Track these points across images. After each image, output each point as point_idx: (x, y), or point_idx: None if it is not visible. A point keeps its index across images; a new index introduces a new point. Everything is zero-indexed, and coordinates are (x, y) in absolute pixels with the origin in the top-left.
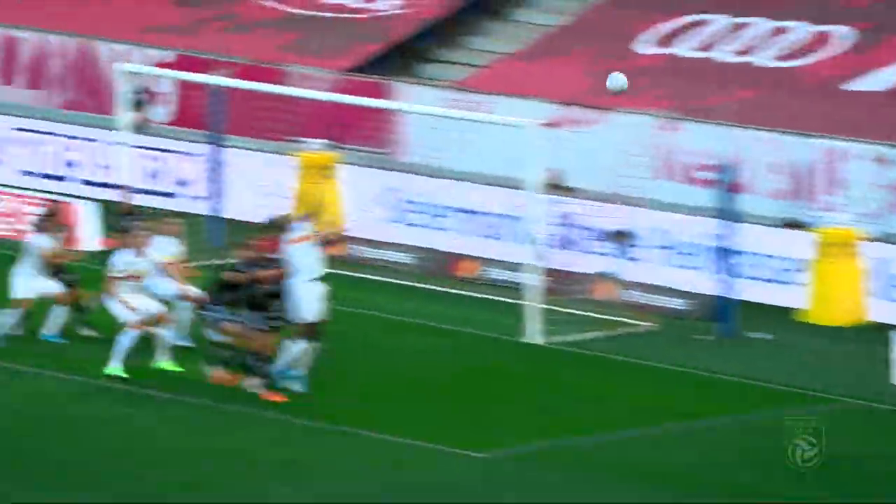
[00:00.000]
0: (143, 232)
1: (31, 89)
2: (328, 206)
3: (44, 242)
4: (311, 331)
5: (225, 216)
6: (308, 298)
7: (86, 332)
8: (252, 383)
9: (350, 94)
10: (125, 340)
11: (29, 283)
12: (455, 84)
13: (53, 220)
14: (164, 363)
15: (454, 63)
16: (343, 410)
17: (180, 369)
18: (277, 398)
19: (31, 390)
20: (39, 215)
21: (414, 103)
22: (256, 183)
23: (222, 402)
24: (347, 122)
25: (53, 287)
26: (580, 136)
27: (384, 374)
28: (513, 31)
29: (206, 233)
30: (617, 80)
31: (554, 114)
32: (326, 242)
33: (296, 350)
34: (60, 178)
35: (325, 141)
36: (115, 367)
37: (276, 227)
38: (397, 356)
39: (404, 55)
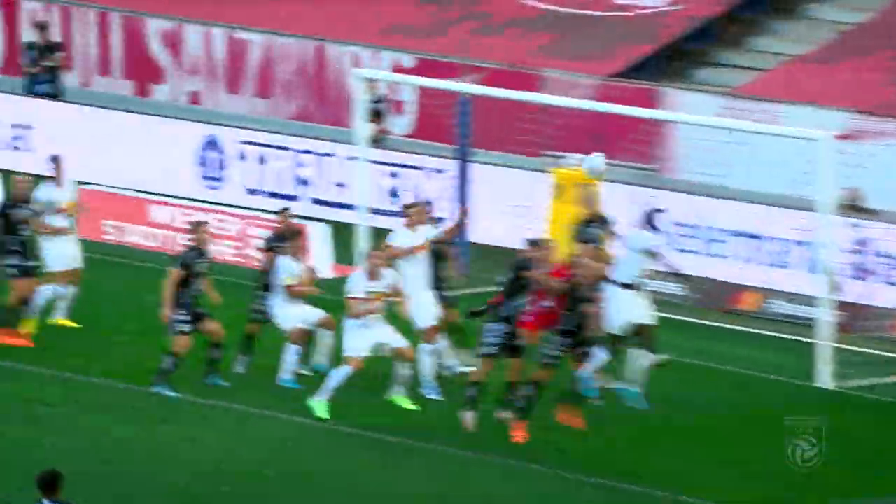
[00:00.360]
0: (379, 255)
1: (258, 98)
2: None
3: (292, 267)
4: (646, 338)
5: (470, 240)
6: (626, 305)
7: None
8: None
9: (614, 101)
10: (338, 376)
11: (289, 311)
12: (733, 90)
13: (296, 241)
14: (399, 398)
15: (732, 66)
16: (615, 459)
17: (415, 407)
18: (520, 435)
19: (263, 434)
20: (280, 235)
21: (686, 112)
22: (507, 203)
23: (467, 447)
24: (610, 133)
25: (315, 313)
26: (882, 150)
27: (656, 418)
28: (803, 30)
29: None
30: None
31: (851, 124)
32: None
33: (640, 363)
34: (290, 197)
35: (585, 156)
36: (318, 404)
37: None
38: (669, 399)
39: (675, 58)
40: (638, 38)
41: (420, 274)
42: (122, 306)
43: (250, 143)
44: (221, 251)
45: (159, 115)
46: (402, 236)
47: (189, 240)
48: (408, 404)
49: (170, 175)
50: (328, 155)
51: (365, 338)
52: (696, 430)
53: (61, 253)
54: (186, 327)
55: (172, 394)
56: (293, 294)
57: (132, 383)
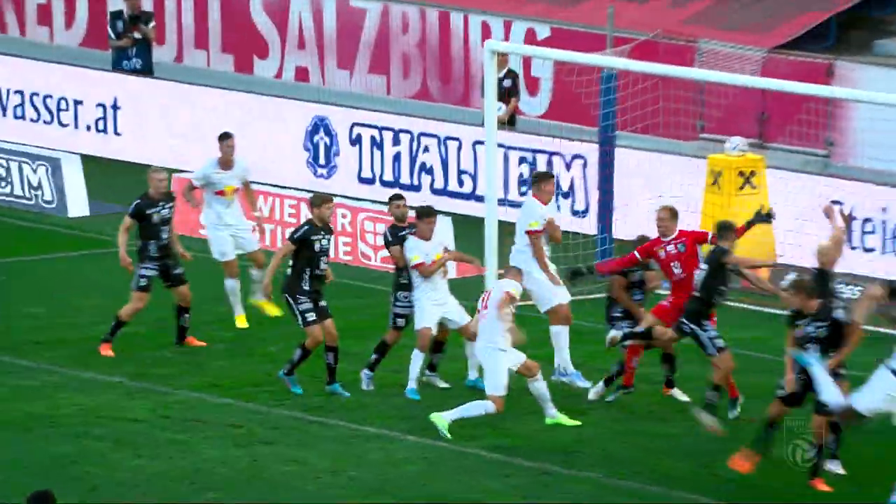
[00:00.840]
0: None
1: (373, 74)
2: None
3: (420, 245)
4: None
5: (614, 235)
6: None
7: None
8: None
9: (780, 77)
10: (477, 409)
11: (425, 308)
12: None
13: (425, 221)
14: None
15: None
16: None
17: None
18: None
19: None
20: (398, 226)
21: (864, 89)
22: (657, 193)
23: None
24: (776, 114)
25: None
26: None
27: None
28: None
29: (595, 257)
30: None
31: None
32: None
33: None
34: (409, 187)
35: (747, 139)
36: (442, 421)
37: None
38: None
39: (853, 26)
40: (809, 4)
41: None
42: (212, 311)
43: (364, 125)
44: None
45: (262, 94)
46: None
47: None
48: (567, 421)
49: (273, 162)
50: (452, 139)
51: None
52: None
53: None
54: (311, 315)
55: (297, 389)
56: (424, 273)
57: (227, 397)
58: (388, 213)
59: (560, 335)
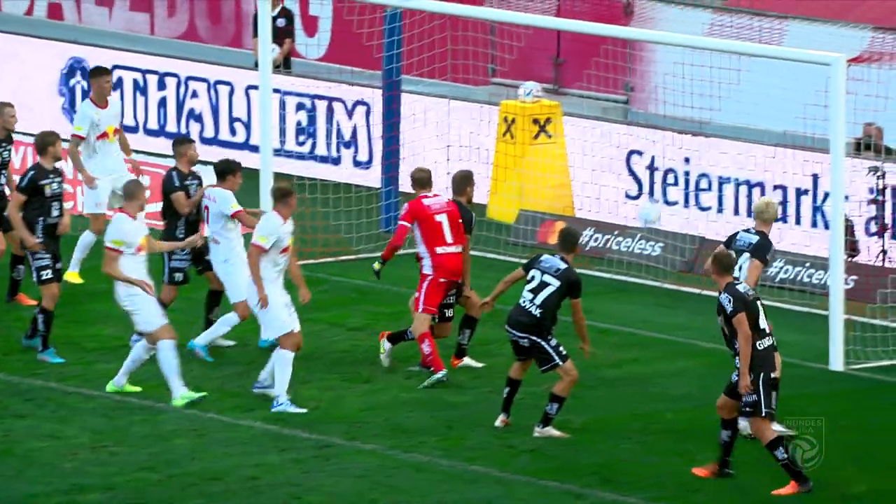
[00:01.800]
0: None
1: (134, 12)
2: (548, 174)
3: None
4: None
5: (401, 189)
6: None
7: None
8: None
9: (575, 17)
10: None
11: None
12: (724, 3)
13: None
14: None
15: None
16: None
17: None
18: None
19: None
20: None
21: (665, 30)
22: (442, 144)
23: None
24: (572, 57)
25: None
26: None
27: (644, 415)
28: None
29: (380, 212)
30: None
31: (870, 45)
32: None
33: None
34: (179, 136)
35: (542, 84)
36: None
37: None
38: (656, 390)
39: None
40: None
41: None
42: None
43: (125, 67)
44: None
45: (10, 33)
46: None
47: None
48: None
49: (26, 108)
50: (223, 83)
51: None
52: (670, 424)
53: None
54: (46, 273)
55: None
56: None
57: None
58: (180, 156)
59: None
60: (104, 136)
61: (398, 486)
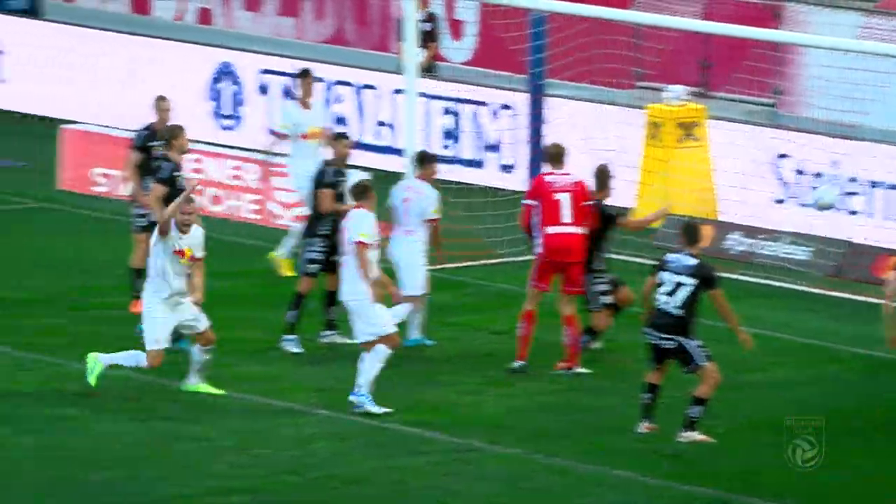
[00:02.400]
0: None
1: (282, 17)
2: (693, 178)
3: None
4: None
5: None
6: None
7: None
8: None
9: (723, 20)
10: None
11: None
12: (876, 6)
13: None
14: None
15: None
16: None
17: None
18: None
19: None
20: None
21: (815, 33)
22: (590, 146)
23: None
24: (719, 60)
25: None
26: None
27: (778, 416)
28: None
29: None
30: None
31: None
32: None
33: None
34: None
35: (688, 88)
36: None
37: None
38: (798, 395)
39: None
40: None
41: None
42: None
43: (273, 72)
44: (238, 206)
45: (160, 38)
46: None
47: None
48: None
49: (174, 113)
50: (369, 87)
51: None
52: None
53: None
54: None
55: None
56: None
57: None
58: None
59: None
60: (306, 136)
61: (540, 491)
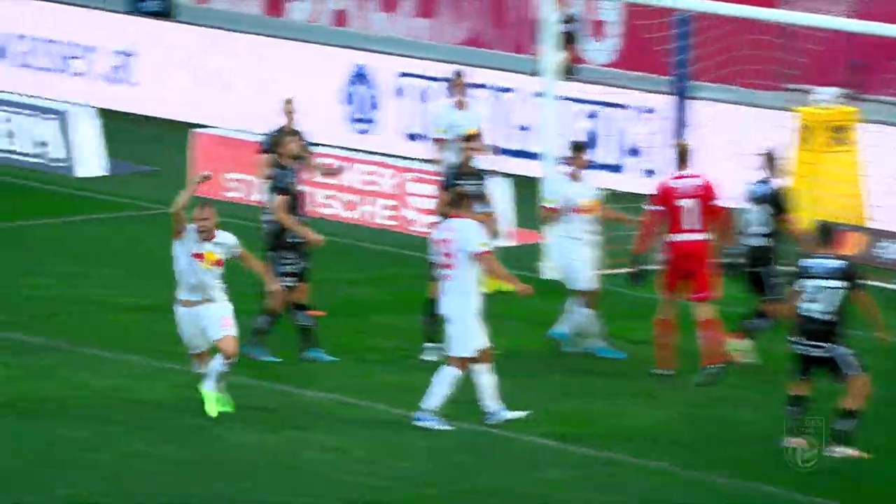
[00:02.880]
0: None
1: (418, 18)
2: (842, 183)
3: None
4: None
5: None
6: None
7: None
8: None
9: (875, 19)
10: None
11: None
12: None
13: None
14: None
15: None
16: None
17: None
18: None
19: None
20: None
21: None
22: (738, 151)
23: None
24: (872, 61)
25: None
26: None
27: None
28: None
29: None
30: None
31: None
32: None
33: None
34: None
35: (839, 90)
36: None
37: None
38: None
39: None
40: None
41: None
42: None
43: (409, 74)
44: (372, 212)
45: (295, 40)
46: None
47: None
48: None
49: (307, 116)
50: (507, 90)
51: None
52: None
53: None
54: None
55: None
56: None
57: (255, 378)
58: (462, 151)
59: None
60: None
61: None
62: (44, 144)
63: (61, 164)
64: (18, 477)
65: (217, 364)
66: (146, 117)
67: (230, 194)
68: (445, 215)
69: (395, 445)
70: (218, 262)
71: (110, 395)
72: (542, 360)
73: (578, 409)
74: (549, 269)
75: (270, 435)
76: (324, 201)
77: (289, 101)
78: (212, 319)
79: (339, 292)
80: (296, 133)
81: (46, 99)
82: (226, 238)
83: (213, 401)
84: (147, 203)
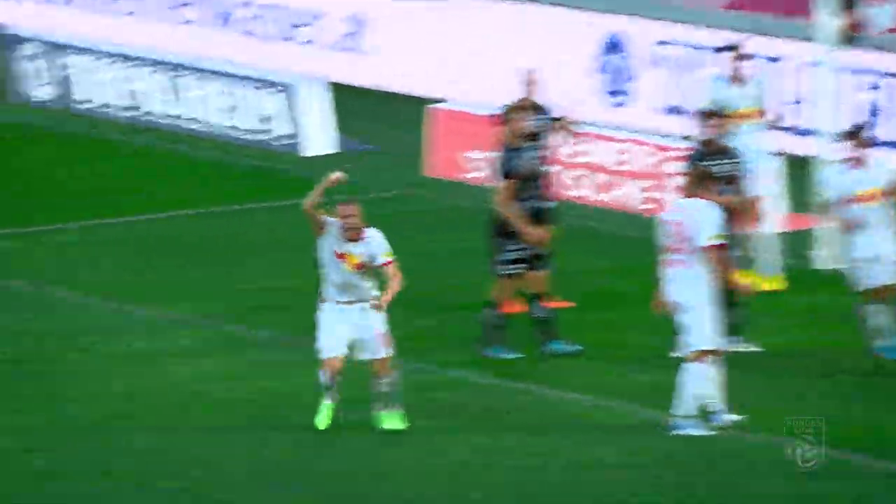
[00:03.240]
0: None
1: None
2: None
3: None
4: None
5: None
6: None
7: None
8: None
9: None
10: None
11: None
12: None
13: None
14: None
15: None
16: None
17: None
18: None
19: None
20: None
21: None
22: None
23: None
24: None
25: None
26: None
27: None
28: None
29: None
30: None
31: None
32: None
33: None
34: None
35: None
36: None
37: None
38: None
39: None
40: None
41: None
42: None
43: (668, 42)
44: (627, 194)
45: (542, 4)
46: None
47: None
48: None
49: (556, 89)
50: (777, 59)
51: None
52: None
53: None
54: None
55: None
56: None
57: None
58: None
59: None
60: (738, 116)
61: None
62: (268, 120)
63: (287, 142)
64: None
65: (375, 382)
66: (379, 91)
67: (471, 175)
68: (689, 196)
69: (649, 450)
70: (359, 266)
71: (341, 392)
72: (819, 359)
73: (862, 416)
74: (824, 259)
75: (509, 438)
76: (571, 182)
77: (531, 72)
78: (368, 332)
79: (587, 283)
80: (537, 108)
81: (272, 71)
82: (374, 243)
83: (393, 421)
84: (378, 185)
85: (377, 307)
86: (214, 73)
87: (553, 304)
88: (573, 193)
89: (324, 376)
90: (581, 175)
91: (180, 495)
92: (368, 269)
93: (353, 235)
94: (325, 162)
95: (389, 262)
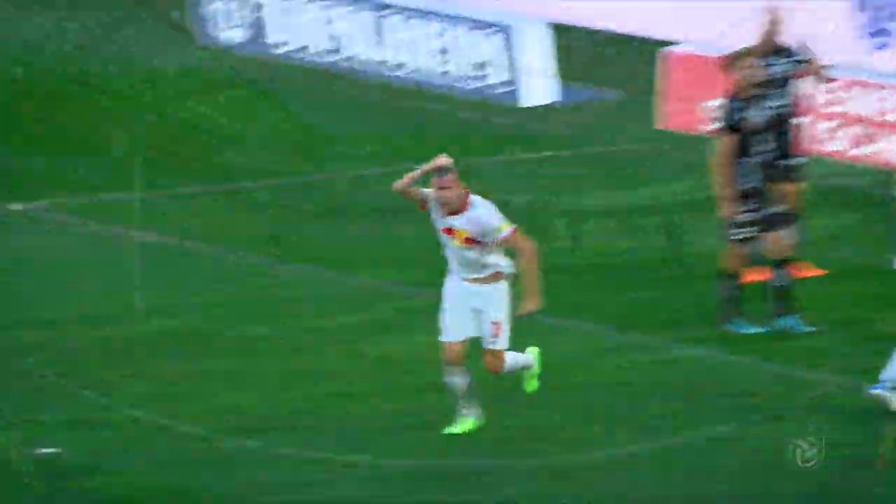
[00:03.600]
0: None
1: None
2: None
3: None
4: None
5: None
6: None
7: None
8: None
9: None
10: None
11: None
12: None
13: None
14: None
15: None
16: None
17: None
18: None
19: None
20: None
21: None
22: None
23: None
24: None
25: None
26: None
27: None
28: None
29: None
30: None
31: None
32: None
33: None
34: None
35: None
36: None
37: None
38: None
39: None
40: None
41: None
42: None
43: None
44: (888, 149)
45: None
46: None
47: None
48: None
49: (805, 28)
50: None
51: None
52: None
53: None
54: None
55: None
56: None
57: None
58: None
59: None
60: None
61: None
62: (483, 66)
63: (504, 90)
64: None
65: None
66: (606, 32)
67: (707, 127)
68: None
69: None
70: (468, 241)
71: (557, 371)
72: None
73: None
74: None
75: (755, 427)
76: (825, 135)
77: (776, 8)
78: (485, 319)
79: (833, 250)
80: (782, 50)
81: (487, 10)
82: (482, 214)
83: (465, 424)
84: (604, 139)
85: (519, 316)
86: (423, 12)
87: (802, 273)
88: (826, 148)
89: (448, 374)
90: (835, 127)
91: None
92: (484, 245)
93: (451, 209)
94: (545, 113)
95: (509, 235)
